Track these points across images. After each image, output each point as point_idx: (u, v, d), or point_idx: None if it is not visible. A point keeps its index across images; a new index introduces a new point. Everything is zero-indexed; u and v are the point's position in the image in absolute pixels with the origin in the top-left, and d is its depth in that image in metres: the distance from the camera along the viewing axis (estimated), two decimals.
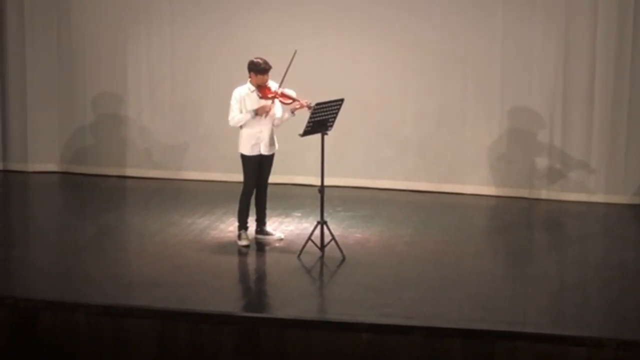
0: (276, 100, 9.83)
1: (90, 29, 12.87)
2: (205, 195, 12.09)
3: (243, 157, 9.98)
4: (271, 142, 9.98)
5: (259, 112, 9.82)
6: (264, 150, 9.94)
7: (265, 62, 9.79)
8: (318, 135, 9.69)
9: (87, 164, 13.09)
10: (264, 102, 9.82)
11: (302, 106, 9.72)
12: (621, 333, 7.88)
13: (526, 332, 7.86)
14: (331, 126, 9.78)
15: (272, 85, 9.83)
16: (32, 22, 12.94)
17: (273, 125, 9.95)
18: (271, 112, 9.85)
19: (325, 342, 8.00)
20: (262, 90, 9.79)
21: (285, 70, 9.67)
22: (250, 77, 9.86)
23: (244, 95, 9.86)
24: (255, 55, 9.94)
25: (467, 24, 12.02)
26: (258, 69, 9.78)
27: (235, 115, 9.85)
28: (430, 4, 12.08)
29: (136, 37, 12.82)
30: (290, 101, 9.77)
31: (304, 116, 9.70)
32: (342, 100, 9.77)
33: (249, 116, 9.81)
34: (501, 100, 12.06)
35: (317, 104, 9.60)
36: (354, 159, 12.45)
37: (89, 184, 12.72)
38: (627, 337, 7.78)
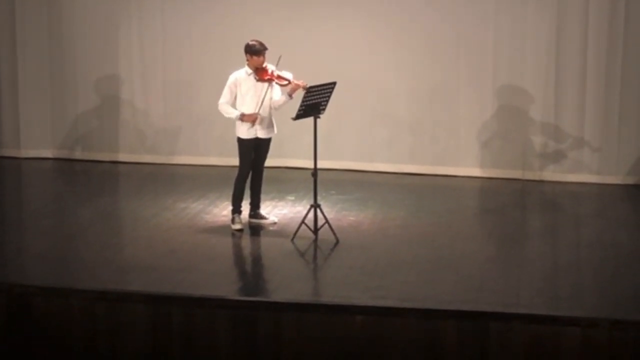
0: (274, 83, 9.82)
1: (81, 13, 12.83)
2: (198, 179, 12.08)
3: (239, 140, 9.97)
4: (269, 125, 9.96)
5: (244, 119, 9.81)
6: (260, 134, 9.92)
7: (261, 44, 9.79)
8: (311, 119, 9.68)
9: (80, 150, 13.06)
10: (260, 86, 9.78)
11: (298, 87, 9.70)
12: (615, 313, 7.90)
13: (520, 313, 7.88)
14: (324, 109, 9.77)
15: (270, 67, 9.81)
16: (22, 6, 12.89)
17: (271, 108, 9.93)
18: (270, 94, 9.80)
19: (320, 324, 8.01)
20: (259, 72, 9.78)
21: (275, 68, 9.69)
22: (247, 60, 9.85)
23: (240, 79, 9.85)
24: (248, 38, 9.93)
25: (459, 3, 12.00)
26: (254, 50, 9.77)
27: (224, 104, 9.85)
28: None
29: (128, 21, 12.78)
30: (287, 82, 9.76)
31: (296, 100, 9.69)
32: (334, 83, 9.76)
33: (233, 116, 9.82)
34: (494, 80, 12.05)
35: (310, 87, 9.60)
36: (347, 142, 12.44)
37: (82, 170, 12.71)
38: (621, 317, 7.80)
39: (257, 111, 9.80)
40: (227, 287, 8.63)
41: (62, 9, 12.86)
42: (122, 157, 12.95)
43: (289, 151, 12.30)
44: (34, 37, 12.94)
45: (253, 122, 9.82)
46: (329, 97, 9.75)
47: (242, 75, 9.87)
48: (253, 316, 8.11)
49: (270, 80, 9.78)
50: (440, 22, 12.06)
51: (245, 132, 9.90)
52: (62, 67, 12.97)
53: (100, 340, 8.26)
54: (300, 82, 9.72)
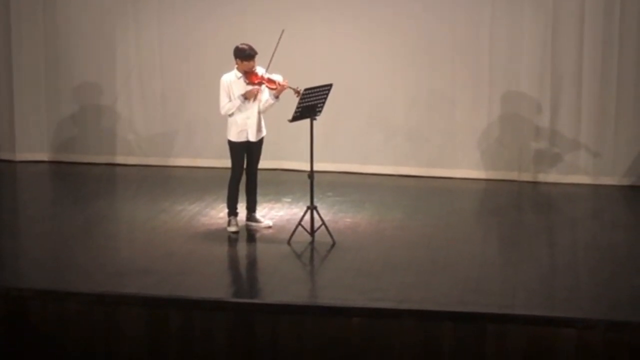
0: (263, 86, 9.82)
1: (77, 17, 12.83)
2: (195, 182, 12.08)
3: (230, 143, 9.97)
4: (258, 128, 9.96)
5: (247, 96, 9.80)
6: (251, 137, 9.93)
7: (251, 48, 9.77)
8: (307, 121, 9.69)
9: (76, 153, 13.05)
10: (251, 88, 9.80)
11: (284, 87, 9.65)
12: (611, 314, 7.92)
13: (516, 315, 7.89)
14: (320, 111, 9.78)
15: (259, 70, 9.82)
16: (18, 10, 12.88)
17: (259, 111, 9.94)
18: (259, 96, 9.84)
19: (317, 326, 8.02)
20: (249, 76, 9.77)
21: (273, 50, 9.65)
22: (237, 64, 9.84)
23: (230, 82, 9.84)
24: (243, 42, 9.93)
25: (456, 8, 12.01)
26: (244, 55, 9.76)
27: (226, 104, 9.84)
28: None
29: (124, 24, 12.78)
30: (277, 86, 9.76)
31: (292, 102, 9.69)
32: (330, 85, 9.77)
33: (238, 102, 9.80)
34: (490, 84, 12.07)
35: (306, 89, 9.59)
36: (344, 144, 12.45)
37: (77, 173, 12.69)
38: (617, 318, 7.82)
39: (248, 115, 9.76)
40: (224, 290, 8.64)
41: (58, 14, 12.84)
42: (118, 159, 12.95)
43: (286, 153, 12.30)
44: (30, 41, 12.92)
45: (255, 97, 9.76)
46: (325, 98, 9.75)
47: (232, 78, 9.85)
48: (250, 318, 8.12)
49: (260, 84, 9.78)
50: (437, 28, 12.07)
51: (235, 135, 9.90)
52: (57, 71, 12.96)
53: (97, 343, 8.26)
54: (285, 83, 9.69)
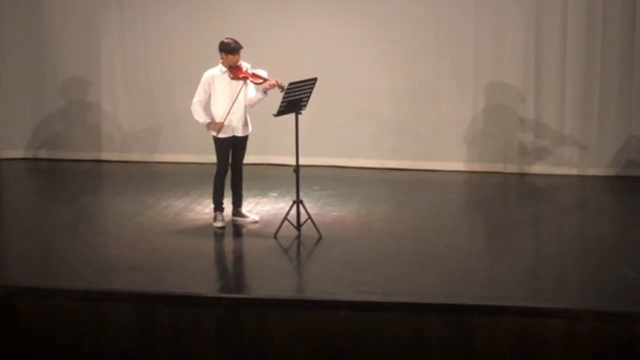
0: (249, 81, 9.81)
1: (61, 12, 12.78)
2: (180, 177, 12.06)
3: (216, 139, 9.96)
4: (244, 124, 9.96)
5: (210, 128, 9.83)
6: (237, 132, 9.92)
7: (236, 42, 9.77)
8: (293, 115, 9.68)
9: (61, 149, 13.01)
10: (234, 84, 9.78)
11: (273, 85, 9.71)
12: (598, 304, 7.93)
13: (504, 306, 7.90)
14: (305, 106, 9.77)
15: (244, 65, 9.81)
16: (0, 5, 12.82)
17: (246, 105, 9.93)
18: (246, 90, 9.82)
19: (305, 320, 8.02)
20: (234, 71, 9.77)
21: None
22: (221, 58, 9.83)
23: (215, 76, 9.83)
24: (230, 36, 9.91)
25: (440, 0, 12.02)
26: (228, 49, 9.75)
27: (197, 104, 9.86)
28: None
29: (108, 20, 12.74)
30: (262, 81, 9.76)
31: (278, 96, 9.68)
32: (315, 79, 9.76)
33: (200, 121, 9.87)
34: (475, 76, 12.08)
35: (290, 84, 9.59)
36: (330, 138, 12.45)
37: (62, 169, 12.66)
38: (604, 308, 7.84)
39: (229, 110, 9.76)
40: (210, 285, 8.63)
41: (41, 10, 12.78)
42: (103, 156, 12.91)
43: (272, 148, 12.30)
44: (12, 37, 12.86)
45: (217, 131, 9.80)
46: (310, 93, 9.74)
47: (217, 73, 9.85)
48: (237, 313, 8.11)
49: (244, 79, 9.77)
50: (421, 19, 12.08)
51: (221, 131, 9.89)
52: (41, 67, 12.91)
53: (85, 339, 8.24)
54: (274, 80, 9.70)
